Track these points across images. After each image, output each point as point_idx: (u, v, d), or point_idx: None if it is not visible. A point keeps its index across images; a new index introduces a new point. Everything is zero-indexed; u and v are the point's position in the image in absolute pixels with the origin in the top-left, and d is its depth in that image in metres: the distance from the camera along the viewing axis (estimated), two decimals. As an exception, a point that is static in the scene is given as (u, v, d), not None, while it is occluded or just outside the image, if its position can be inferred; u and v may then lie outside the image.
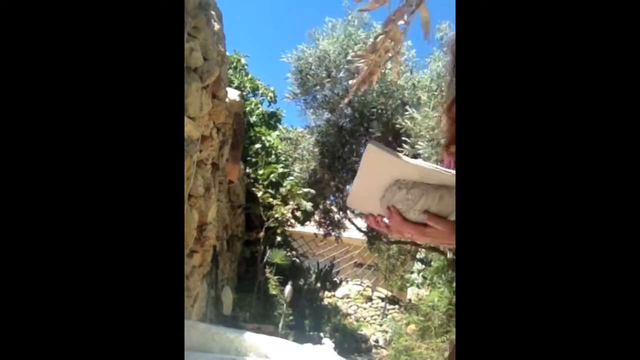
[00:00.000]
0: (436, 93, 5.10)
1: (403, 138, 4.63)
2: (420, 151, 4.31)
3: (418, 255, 7.86)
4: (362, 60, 1.33)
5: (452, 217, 0.90)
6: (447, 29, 5.48)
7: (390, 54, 1.30)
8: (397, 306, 8.03)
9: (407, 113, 4.68)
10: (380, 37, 1.26)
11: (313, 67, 5.61)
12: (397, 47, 1.27)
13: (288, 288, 5.67)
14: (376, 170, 0.89)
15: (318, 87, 5.69)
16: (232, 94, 3.80)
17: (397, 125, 4.78)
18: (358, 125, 5.78)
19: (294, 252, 7.72)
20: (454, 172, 0.84)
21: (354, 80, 1.38)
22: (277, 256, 6.29)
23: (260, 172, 6.32)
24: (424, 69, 5.70)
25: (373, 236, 6.51)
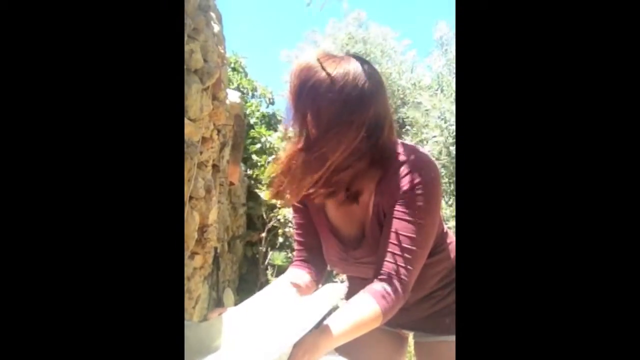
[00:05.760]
0: (437, 92, 5.11)
1: (407, 128, 4.67)
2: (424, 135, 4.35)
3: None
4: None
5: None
6: (446, 29, 5.50)
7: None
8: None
9: (415, 100, 4.72)
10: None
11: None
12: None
13: (289, 289, 5.64)
14: None
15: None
16: (233, 96, 3.80)
17: (402, 116, 4.83)
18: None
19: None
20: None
21: None
22: (278, 258, 6.28)
23: (262, 169, 6.31)
24: (423, 68, 5.71)
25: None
